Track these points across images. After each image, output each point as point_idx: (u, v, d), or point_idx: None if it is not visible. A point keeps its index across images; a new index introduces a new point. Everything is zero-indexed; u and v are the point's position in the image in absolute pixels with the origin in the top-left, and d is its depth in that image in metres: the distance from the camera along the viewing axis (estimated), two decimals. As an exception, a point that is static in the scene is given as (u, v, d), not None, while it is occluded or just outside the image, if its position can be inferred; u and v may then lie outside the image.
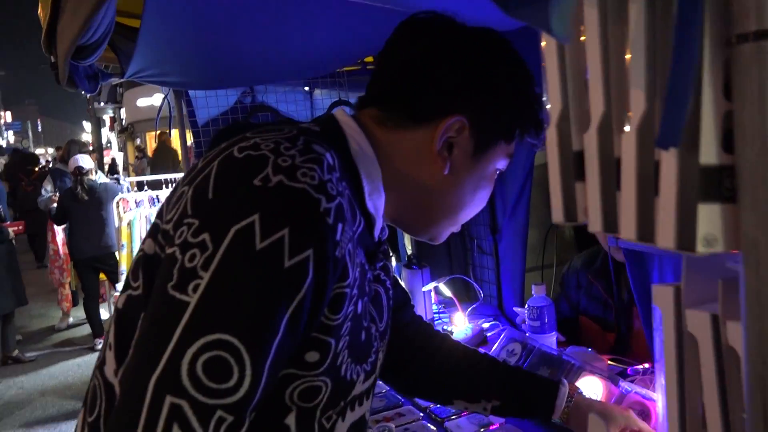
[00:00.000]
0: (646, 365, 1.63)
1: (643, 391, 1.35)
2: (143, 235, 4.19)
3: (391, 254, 1.12)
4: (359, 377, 0.77)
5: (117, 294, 3.15)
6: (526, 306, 1.75)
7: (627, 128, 0.42)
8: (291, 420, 0.70)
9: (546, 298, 1.73)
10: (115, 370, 0.72)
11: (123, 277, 4.14)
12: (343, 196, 0.68)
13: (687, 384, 0.56)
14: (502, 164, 0.86)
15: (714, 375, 0.51)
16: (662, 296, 0.54)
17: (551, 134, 0.48)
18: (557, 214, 0.48)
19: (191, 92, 2.45)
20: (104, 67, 2.22)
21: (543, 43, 0.48)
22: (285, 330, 0.62)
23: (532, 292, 1.74)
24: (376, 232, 0.82)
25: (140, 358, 0.61)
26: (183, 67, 2.17)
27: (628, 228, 0.42)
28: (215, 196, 0.63)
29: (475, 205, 0.87)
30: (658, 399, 0.62)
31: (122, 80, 2.19)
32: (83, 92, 1.97)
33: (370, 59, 2.63)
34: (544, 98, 0.48)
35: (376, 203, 0.79)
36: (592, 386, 1.40)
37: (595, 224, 0.45)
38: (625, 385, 1.38)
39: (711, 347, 0.50)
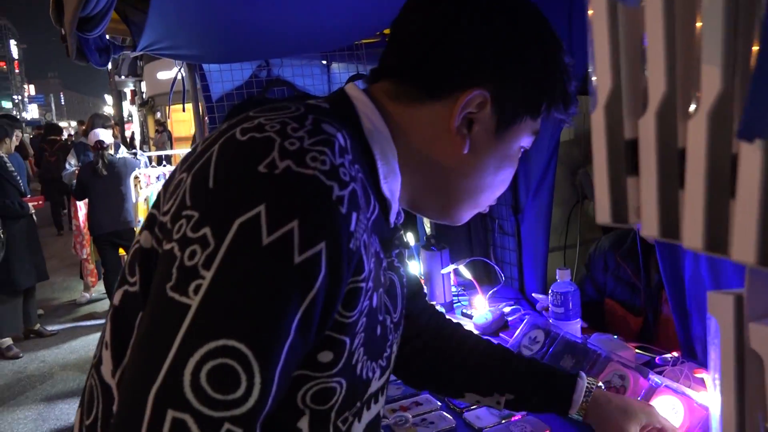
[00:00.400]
0: (675, 354, 1.55)
1: (675, 384, 1.27)
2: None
3: (406, 239, 1.06)
4: (375, 374, 0.72)
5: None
6: (550, 291, 1.68)
7: (695, 113, 0.34)
8: (304, 424, 0.65)
9: (571, 283, 1.66)
10: (112, 370, 0.68)
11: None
12: (357, 181, 0.62)
13: (748, 403, 0.49)
14: (527, 142, 0.78)
15: None
16: (720, 305, 0.47)
17: (598, 118, 0.40)
18: (603, 213, 0.41)
19: (205, 66, 2.39)
20: (122, 41, 2.16)
21: (590, 10, 0.40)
22: (296, 331, 0.57)
23: (556, 277, 1.67)
24: (392, 218, 0.75)
25: (138, 366, 0.56)
26: (196, 39, 2.10)
27: (693, 235, 0.35)
28: (216, 184, 0.57)
29: (497, 187, 0.80)
30: (713, 413, 0.55)
31: (136, 54, 2.13)
32: (94, 65, 1.92)
33: (388, 31, 2.53)
34: (590, 74, 0.40)
35: (392, 186, 0.73)
36: (620, 378, 1.33)
37: (650, 228, 0.38)
38: (654, 377, 1.30)
39: (780, 368, 0.43)
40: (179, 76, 2.34)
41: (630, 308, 1.94)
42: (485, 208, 0.82)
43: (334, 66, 2.59)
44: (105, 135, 4.78)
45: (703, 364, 1.50)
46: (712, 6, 0.32)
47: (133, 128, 16.65)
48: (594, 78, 0.40)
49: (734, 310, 0.47)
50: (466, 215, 0.82)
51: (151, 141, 13.86)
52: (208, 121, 2.41)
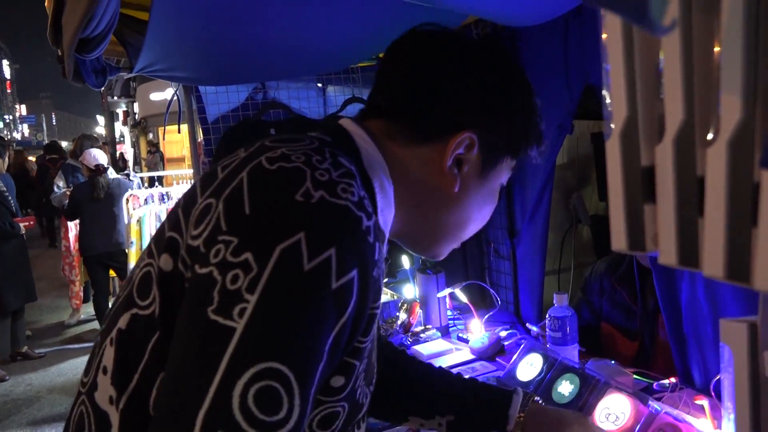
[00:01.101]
0: (673, 379, 1.54)
1: (675, 411, 1.26)
2: (153, 233, 4.12)
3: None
4: (366, 399, 0.76)
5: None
6: (547, 316, 1.67)
7: (715, 140, 0.34)
8: None
9: (568, 308, 1.65)
10: (113, 397, 0.66)
11: (132, 275, 4.09)
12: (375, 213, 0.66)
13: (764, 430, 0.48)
14: (505, 179, 0.85)
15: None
16: (734, 333, 0.46)
17: (613, 145, 0.40)
18: (618, 241, 0.40)
19: (201, 88, 2.39)
20: (116, 62, 2.16)
21: (604, 35, 0.40)
22: (327, 355, 0.59)
23: (554, 302, 1.66)
24: (384, 249, 0.78)
25: (182, 389, 0.55)
26: (193, 61, 2.10)
27: (713, 263, 0.34)
28: (254, 211, 0.60)
29: (479, 221, 0.86)
30: None
31: (131, 75, 2.13)
32: (91, 87, 1.92)
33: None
34: (606, 101, 0.40)
35: (386, 218, 0.76)
36: (618, 404, 1.31)
37: (668, 256, 0.37)
38: (654, 404, 1.29)
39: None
40: (175, 98, 2.33)
41: (626, 332, 1.93)
42: (458, 243, 0.88)
43: (330, 89, 2.60)
44: (102, 157, 4.76)
45: (702, 391, 1.49)
46: (732, 31, 0.32)
47: (125, 148, 16.63)
48: (609, 104, 0.40)
49: (748, 338, 0.46)
50: (447, 249, 0.87)
51: (143, 162, 13.85)
52: (203, 143, 2.40)
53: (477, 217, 0.84)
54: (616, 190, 0.40)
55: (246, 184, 0.62)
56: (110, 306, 0.78)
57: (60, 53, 1.61)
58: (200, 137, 2.57)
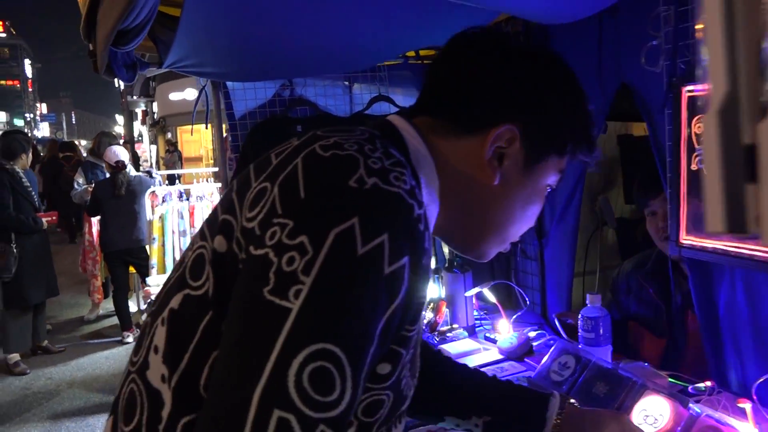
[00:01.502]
0: (708, 383, 1.51)
1: (717, 414, 1.23)
2: (175, 229, 4.15)
3: None
4: (410, 392, 0.76)
5: (148, 288, 3.11)
6: (580, 316, 1.65)
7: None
8: None
9: (601, 308, 1.62)
10: (165, 375, 0.66)
11: (153, 271, 4.12)
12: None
13: None
14: (552, 180, 0.84)
15: None
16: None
17: (710, 123, 0.38)
18: (714, 222, 0.39)
19: (229, 84, 2.39)
20: (141, 56, 2.17)
21: (704, 5, 0.38)
22: (378, 340, 0.60)
23: (587, 302, 1.64)
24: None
25: (236, 367, 0.57)
26: (222, 57, 2.11)
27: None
28: (308, 195, 0.61)
29: (524, 222, 0.85)
30: None
31: (160, 70, 2.14)
32: (120, 81, 1.94)
33: (411, 54, 2.55)
34: (703, 75, 0.39)
35: (431, 212, 0.77)
36: (658, 407, 1.29)
37: (771, 237, 0.36)
38: (694, 406, 1.26)
39: None
40: (203, 94, 2.34)
41: (654, 329, 1.90)
42: (507, 246, 0.87)
43: (356, 87, 2.60)
44: (123, 154, 4.80)
45: (739, 395, 1.45)
46: None
47: (143, 147, 16.77)
48: (706, 78, 0.38)
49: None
50: (491, 250, 0.87)
51: (161, 160, 13.97)
52: (230, 139, 2.40)
53: (521, 217, 0.83)
54: (713, 169, 0.38)
55: (301, 170, 0.63)
56: (154, 294, 0.78)
57: (91, 48, 1.62)
58: (226, 133, 2.57)
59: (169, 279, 0.76)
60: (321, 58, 2.30)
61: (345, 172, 0.61)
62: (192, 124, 2.49)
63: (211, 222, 0.71)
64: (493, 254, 0.87)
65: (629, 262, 2.07)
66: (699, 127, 1.48)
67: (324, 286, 0.57)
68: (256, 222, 0.62)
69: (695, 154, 1.49)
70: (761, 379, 1.25)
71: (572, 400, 1.10)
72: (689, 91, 1.49)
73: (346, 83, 2.57)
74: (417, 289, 0.63)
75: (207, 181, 5.27)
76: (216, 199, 4.58)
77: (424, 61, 2.61)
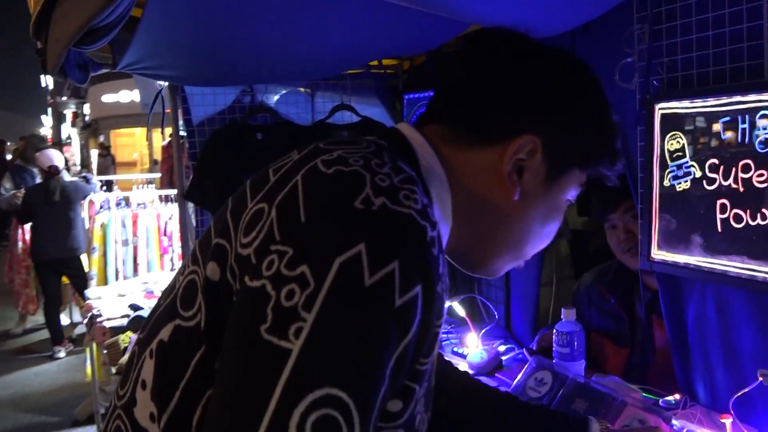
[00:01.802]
0: (677, 396, 1.53)
1: (698, 429, 1.25)
2: (118, 239, 3.94)
3: None
4: (424, 426, 0.69)
5: (89, 302, 2.94)
6: (555, 331, 1.65)
7: None
8: None
9: (576, 323, 1.63)
10: (154, 414, 0.60)
11: (93, 282, 3.91)
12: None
13: None
14: (573, 195, 0.79)
15: None
16: None
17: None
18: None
19: (187, 89, 2.29)
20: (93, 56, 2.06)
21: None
22: (389, 379, 0.54)
23: (561, 317, 1.64)
24: None
25: (232, 418, 0.49)
26: (182, 60, 2.02)
27: None
28: (309, 219, 0.55)
29: (542, 239, 0.80)
30: None
31: (113, 71, 2.03)
32: (48, 80, 1.83)
33: (375, 63, 2.52)
34: None
35: (444, 230, 0.71)
36: (639, 422, 1.29)
37: None
38: (676, 422, 1.28)
39: None
40: (160, 97, 2.23)
41: (616, 340, 1.93)
42: (521, 263, 0.82)
43: (318, 95, 2.54)
44: (58, 158, 4.55)
45: (710, 407, 1.48)
46: None
47: (73, 150, 16.05)
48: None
49: None
50: (504, 268, 0.81)
51: (91, 165, 13.42)
52: (187, 146, 2.30)
53: (539, 234, 0.78)
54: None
55: (301, 189, 0.57)
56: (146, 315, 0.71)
57: (40, 46, 1.53)
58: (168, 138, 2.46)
59: (158, 305, 0.69)
60: (283, 64, 2.24)
61: (350, 191, 0.55)
62: (148, 128, 2.36)
63: (204, 245, 0.64)
64: (504, 271, 0.82)
65: (589, 275, 2.10)
66: (671, 144, 1.51)
67: (328, 323, 0.51)
68: (251, 249, 0.56)
69: (667, 170, 1.52)
70: (739, 393, 1.27)
71: (607, 425, 1.07)
72: (662, 108, 1.51)
73: (308, 91, 2.51)
74: (431, 319, 0.58)
75: (147, 187, 5.07)
76: (158, 207, 4.40)
77: (387, 71, 2.59)
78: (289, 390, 0.48)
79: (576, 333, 1.61)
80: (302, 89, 2.48)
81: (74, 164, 13.92)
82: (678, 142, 1.47)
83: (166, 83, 2.25)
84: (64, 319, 5.17)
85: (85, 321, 2.81)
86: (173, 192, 4.50)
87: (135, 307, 2.77)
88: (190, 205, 2.41)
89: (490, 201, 0.73)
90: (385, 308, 0.52)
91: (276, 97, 2.44)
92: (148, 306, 2.74)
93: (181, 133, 2.38)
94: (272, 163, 0.67)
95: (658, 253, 1.56)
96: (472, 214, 0.73)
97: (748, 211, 1.32)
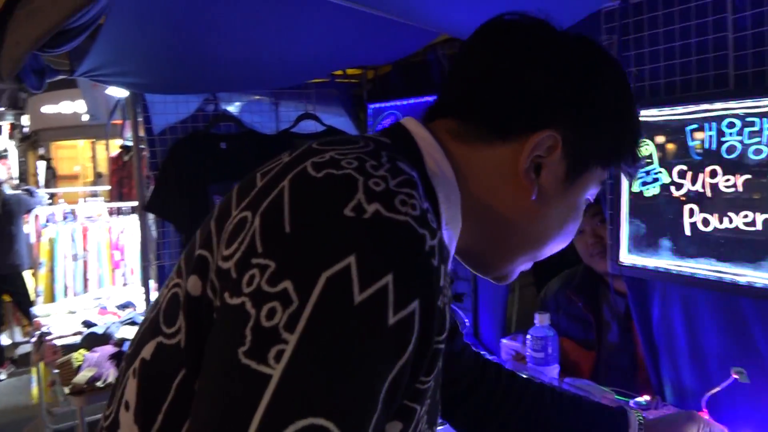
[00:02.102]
0: (647, 397, 1.57)
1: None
2: (67, 254, 3.79)
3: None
4: None
5: (37, 319, 2.81)
6: (528, 336, 1.67)
7: None
8: None
9: (549, 327, 1.65)
10: None
11: (40, 299, 3.73)
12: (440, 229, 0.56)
13: None
14: (592, 194, 0.73)
15: None
16: None
17: None
18: None
19: (148, 97, 2.23)
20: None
21: None
22: (383, 403, 0.48)
23: (535, 322, 1.66)
24: (449, 267, 0.66)
25: None
26: (144, 67, 1.96)
27: None
28: (294, 229, 0.49)
29: (561, 240, 0.74)
30: None
31: (71, 77, 1.96)
32: (29, 88, 1.74)
33: (339, 72, 2.52)
34: None
35: (452, 233, 0.66)
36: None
37: None
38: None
39: None
40: (118, 106, 2.16)
41: (584, 343, 1.96)
42: (530, 264, 0.77)
43: (282, 104, 2.51)
44: (1, 171, 4.35)
45: (680, 407, 1.52)
46: None
47: (10, 163, 15.38)
48: None
49: None
50: (517, 270, 0.76)
51: (32, 178, 12.89)
52: (148, 156, 2.23)
53: (557, 235, 0.72)
54: None
55: (287, 196, 0.52)
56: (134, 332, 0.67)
57: None
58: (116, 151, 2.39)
59: (145, 320, 0.64)
60: (248, 73, 2.21)
61: (340, 197, 0.50)
62: (107, 138, 2.28)
63: (188, 256, 0.59)
64: (517, 274, 0.76)
65: (556, 281, 2.13)
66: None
67: (312, 345, 0.45)
68: (232, 262, 0.51)
69: (636, 176, 1.57)
70: (713, 391, 1.31)
71: (643, 415, 1.03)
72: (629, 117, 1.56)
73: (272, 100, 2.48)
74: (431, 336, 0.52)
75: (91, 199, 4.90)
76: (108, 220, 4.25)
77: (351, 80, 2.59)
78: (268, 420, 0.43)
79: (550, 338, 1.63)
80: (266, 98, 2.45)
81: (11, 178, 13.37)
82: (646, 149, 1.51)
83: (127, 92, 2.17)
84: (5, 339, 4.91)
85: (33, 339, 2.68)
86: (124, 204, 4.37)
87: (88, 324, 2.67)
88: (151, 217, 2.33)
89: (505, 201, 0.68)
90: (378, 327, 0.47)
91: (238, 105, 2.39)
92: (102, 322, 2.64)
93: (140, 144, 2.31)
94: (260, 167, 0.62)
95: (627, 257, 1.60)
96: (485, 216, 0.68)
97: (715, 215, 1.37)
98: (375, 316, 0.47)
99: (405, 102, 2.32)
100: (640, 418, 1.00)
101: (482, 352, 1.93)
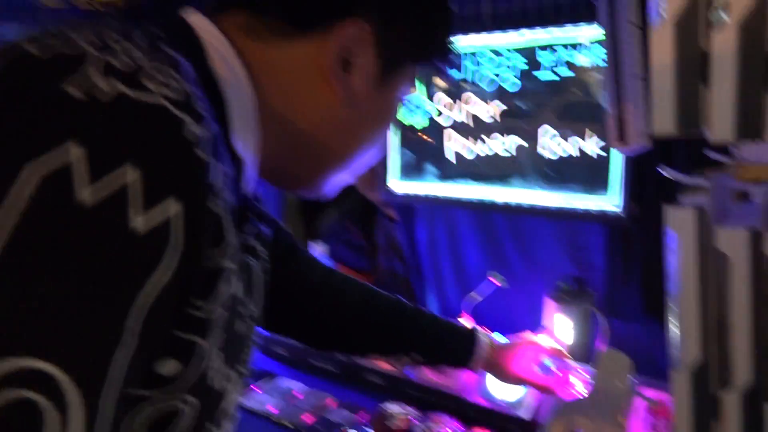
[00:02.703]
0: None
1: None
2: None
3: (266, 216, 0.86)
4: (230, 383, 0.55)
5: None
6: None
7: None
8: None
9: (326, 257, 1.68)
10: None
11: None
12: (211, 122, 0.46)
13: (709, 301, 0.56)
14: (406, 92, 0.66)
15: (748, 290, 0.52)
16: (680, 220, 0.53)
17: (665, 34, 0.42)
18: (665, 123, 0.43)
19: None
20: None
21: None
22: (137, 337, 0.39)
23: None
24: (247, 182, 0.60)
25: None
26: None
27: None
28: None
29: (374, 148, 0.67)
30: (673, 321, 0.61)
31: None
32: None
33: None
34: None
35: (246, 143, 0.57)
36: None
37: (723, 131, 0.42)
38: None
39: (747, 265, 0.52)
40: None
41: (359, 269, 2.05)
42: (353, 178, 0.70)
43: None
44: None
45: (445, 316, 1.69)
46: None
47: None
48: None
49: (695, 223, 0.54)
50: (335, 183, 0.69)
51: None
52: None
53: (370, 138, 0.66)
54: (666, 73, 0.43)
55: None
56: None
57: None
58: None
59: None
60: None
61: (61, 73, 0.39)
62: None
63: None
64: (335, 189, 0.69)
65: (332, 209, 2.17)
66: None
67: (20, 264, 0.35)
68: None
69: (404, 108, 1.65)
70: (471, 294, 1.47)
71: (489, 335, 1.05)
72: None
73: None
74: (201, 247, 0.42)
75: None
76: None
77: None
78: None
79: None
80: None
81: None
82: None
83: None
84: None
85: None
86: None
87: None
88: None
89: (310, 104, 0.59)
90: (114, 235, 0.37)
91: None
92: None
93: None
94: None
95: (398, 185, 1.69)
96: (287, 122, 0.59)
97: (475, 141, 1.51)
98: (110, 221, 0.37)
99: None
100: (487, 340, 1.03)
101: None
